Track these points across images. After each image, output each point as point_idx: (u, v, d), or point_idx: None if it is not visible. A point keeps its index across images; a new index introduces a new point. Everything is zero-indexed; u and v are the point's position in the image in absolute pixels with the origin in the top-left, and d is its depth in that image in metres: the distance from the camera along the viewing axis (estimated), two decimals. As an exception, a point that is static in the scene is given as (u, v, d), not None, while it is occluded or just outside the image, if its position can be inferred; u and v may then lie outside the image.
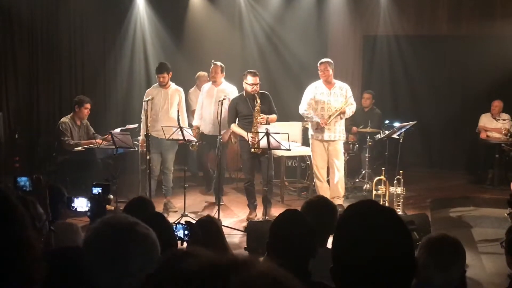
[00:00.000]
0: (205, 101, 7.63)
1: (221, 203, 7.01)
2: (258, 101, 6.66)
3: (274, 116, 6.88)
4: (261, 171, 6.70)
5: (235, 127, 6.89)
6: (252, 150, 6.60)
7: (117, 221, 1.60)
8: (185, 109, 7.49)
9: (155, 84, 7.46)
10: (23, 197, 2.98)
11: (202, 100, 7.67)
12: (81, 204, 3.58)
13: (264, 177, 6.66)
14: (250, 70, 6.80)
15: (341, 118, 7.21)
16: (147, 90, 7.51)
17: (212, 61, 7.68)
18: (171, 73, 7.33)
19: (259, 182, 7.16)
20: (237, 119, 6.94)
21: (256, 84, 6.69)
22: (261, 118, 6.67)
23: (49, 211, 3.08)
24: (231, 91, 7.48)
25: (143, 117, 7.12)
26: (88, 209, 3.44)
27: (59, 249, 2.56)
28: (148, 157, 6.80)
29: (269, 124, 6.73)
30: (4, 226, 1.79)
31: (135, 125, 7.75)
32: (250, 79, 6.68)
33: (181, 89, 7.48)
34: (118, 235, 1.56)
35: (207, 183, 8.18)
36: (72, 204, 3.61)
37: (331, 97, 7.18)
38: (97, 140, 7.38)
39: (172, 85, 7.39)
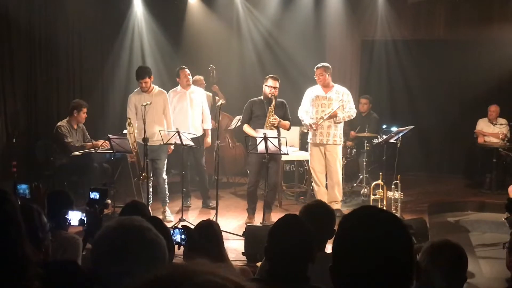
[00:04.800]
0: (178, 106, 7.49)
1: (213, 206, 6.99)
2: (273, 103, 6.79)
3: (287, 123, 6.96)
4: (267, 176, 6.63)
5: (247, 128, 6.96)
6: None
7: (129, 223, 1.66)
8: (170, 112, 7.21)
9: (136, 89, 7.15)
10: (28, 206, 2.97)
11: (174, 105, 7.48)
12: (75, 216, 3.58)
13: (269, 182, 6.66)
14: (271, 75, 6.98)
15: (334, 122, 7.20)
16: (130, 95, 7.17)
17: (211, 65, 7.67)
18: (152, 77, 7.03)
19: (260, 187, 7.16)
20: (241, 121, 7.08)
21: (275, 88, 6.83)
22: (274, 119, 6.77)
23: (48, 220, 3.07)
24: (203, 93, 7.69)
25: (130, 124, 6.92)
26: (83, 221, 3.44)
27: (56, 262, 2.56)
28: (144, 163, 6.74)
29: (279, 128, 6.85)
30: (4, 239, 1.80)
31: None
32: (270, 82, 6.86)
33: (165, 92, 7.21)
34: (125, 235, 1.62)
35: (203, 196, 7.92)
36: (66, 216, 3.61)
37: (326, 101, 7.21)
38: (99, 142, 7.40)
39: (155, 89, 7.11)
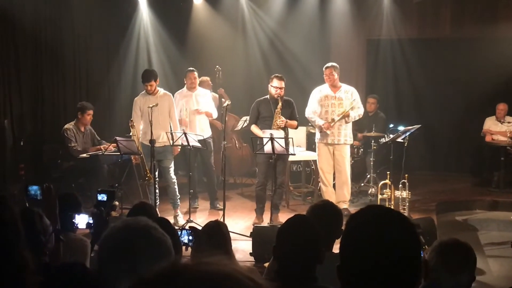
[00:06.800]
0: (185, 107, 7.53)
1: (220, 208, 7.01)
2: (280, 104, 6.74)
3: (294, 122, 6.94)
4: (274, 175, 6.63)
5: (254, 129, 6.93)
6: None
7: (135, 222, 1.67)
8: (176, 114, 7.20)
9: (142, 92, 7.17)
10: (29, 209, 2.97)
11: (181, 107, 7.51)
12: (83, 219, 3.58)
13: (276, 181, 6.65)
14: (276, 75, 6.92)
15: (346, 122, 7.22)
16: (135, 98, 7.18)
17: (217, 66, 7.68)
18: (158, 80, 7.06)
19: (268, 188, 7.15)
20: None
21: (280, 88, 6.78)
22: (281, 121, 6.73)
23: (58, 221, 3.07)
24: (210, 94, 7.74)
25: (135, 125, 6.92)
26: (90, 225, 3.45)
27: (64, 264, 2.56)
28: (151, 164, 6.73)
29: (287, 128, 6.83)
30: (1, 245, 1.80)
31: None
32: (276, 82, 6.81)
33: (170, 94, 7.21)
34: (131, 234, 1.63)
35: (211, 197, 7.92)
36: (73, 220, 3.61)
37: (335, 101, 7.20)
38: (103, 146, 7.41)
39: (160, 91, 7.10)
